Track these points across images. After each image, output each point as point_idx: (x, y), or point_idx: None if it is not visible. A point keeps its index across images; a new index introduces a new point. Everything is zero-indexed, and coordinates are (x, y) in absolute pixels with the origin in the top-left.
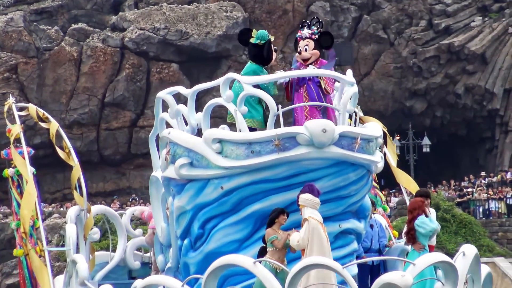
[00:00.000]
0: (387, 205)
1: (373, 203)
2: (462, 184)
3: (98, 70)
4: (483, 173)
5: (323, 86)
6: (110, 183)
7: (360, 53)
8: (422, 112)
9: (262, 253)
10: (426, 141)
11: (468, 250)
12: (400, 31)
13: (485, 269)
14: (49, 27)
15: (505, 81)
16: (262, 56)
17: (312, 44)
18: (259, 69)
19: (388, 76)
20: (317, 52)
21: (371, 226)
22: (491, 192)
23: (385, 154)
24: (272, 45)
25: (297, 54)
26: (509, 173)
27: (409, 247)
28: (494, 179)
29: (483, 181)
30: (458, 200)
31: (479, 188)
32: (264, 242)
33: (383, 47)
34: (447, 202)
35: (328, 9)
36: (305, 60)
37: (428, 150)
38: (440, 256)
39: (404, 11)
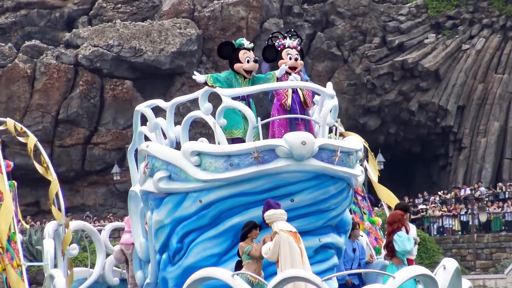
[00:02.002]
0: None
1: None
2: (416, 201)
3: (51, 87)
4: (441, 192)
5: (301, 99)
6: (64, 200)
7: (314, 70)
8: (376, 129)
9: (238, 266)
10: (380, 158)
11: (449, 264)
12: (354, 48)
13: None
14: (3, 44)
15: (458, 98)
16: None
17: (298, 54)
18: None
19: (342, 93)
20: (302, 63)
21: (354, 251)
22: (445, 209)
23: (366, 169)
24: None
25: (285, 62)
26: (462, 190)
27: (388, 262)
28: (448, 196)
29: (437, 198)
30: (412, 217)
31: (433, 205)
32: (239, 256)
33: (336, 64)
34: None
35: (282, 26)
36: (293, 68)
37: (382, 167)
38: (420, 270)
39: (357, 28)
